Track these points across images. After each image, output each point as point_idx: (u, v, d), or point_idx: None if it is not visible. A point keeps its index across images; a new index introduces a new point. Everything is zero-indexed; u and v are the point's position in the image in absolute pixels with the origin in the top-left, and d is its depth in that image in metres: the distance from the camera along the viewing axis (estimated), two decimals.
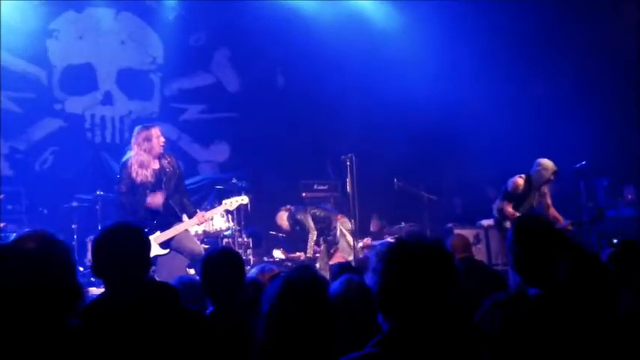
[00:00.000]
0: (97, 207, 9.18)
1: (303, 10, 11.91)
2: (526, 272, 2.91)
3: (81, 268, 8.36)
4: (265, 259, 9.90)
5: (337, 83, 11.75)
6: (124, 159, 7.29)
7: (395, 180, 10.05)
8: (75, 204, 9.35)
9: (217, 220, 9.36)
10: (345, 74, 11.75)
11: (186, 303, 2.93)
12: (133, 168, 7.16)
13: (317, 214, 9.91)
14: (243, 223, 9.63)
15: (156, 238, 7.03)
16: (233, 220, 9.47)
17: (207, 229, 9.07)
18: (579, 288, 2.86)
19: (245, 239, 9.61)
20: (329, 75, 11.77)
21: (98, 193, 9.23)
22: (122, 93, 11.60)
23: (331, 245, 9.79)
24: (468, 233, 8.84)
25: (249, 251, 9.57)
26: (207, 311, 3.34)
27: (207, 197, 10.97)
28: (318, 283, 2.64)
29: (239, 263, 3.52)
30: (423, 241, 2.16)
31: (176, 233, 7.18)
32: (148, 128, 7.35)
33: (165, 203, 7.24)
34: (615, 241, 7.64)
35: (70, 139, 11.09)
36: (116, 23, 11.54)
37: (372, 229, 11.12)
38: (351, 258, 9.05)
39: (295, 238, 10.85)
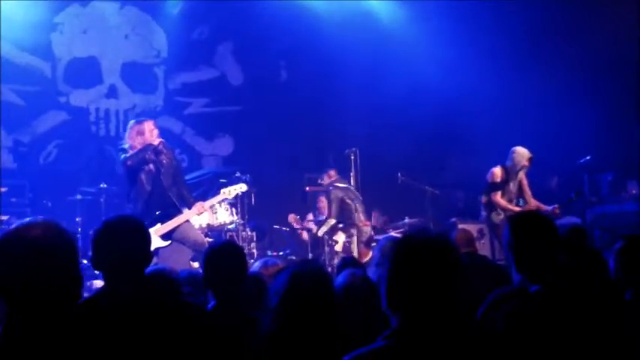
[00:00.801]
0: (101, 200, 9.18)
1: (307, 4, 11.89)
2: (525, 268, 2.90)
3: (84, 261, 8.38)
4: (269, 252, 9.91)
5: (341, 77, 11.74)
6: (121, 157, 7.37)
7: (399, 174, 10.04)
8: (79, 197, 9.35)
9: (221, 213, 9.37)
10: (348, 68, 11.74)
11: (187, 297, 2.93)
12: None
13: (346, 204, 9.61)
14: (247, 216, 9.63)
15: (156, 230, 7.06)
16: (237, 214, 9.48)
17: (211, 222, 9.07)
18: (580, 283, 2.87)
19: (249, 233, 9.60)
20: (333, 69, 11.77)
21: (102, 186, 9.24)
22: (126, 86, 11.61)
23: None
24: (472, 228, 8.79)
25: (252, 245, 9.57)
26: (210, 305, 3.34)
27: (210, 191, 10.95)
28: (323, 276, 2.67)
29: (241, 256, 3.51)
30: (431, 236, 2.16)
31: (177, 224, 7.23)
32: (140, 122, 7.47)
33: (165, 195, 7.28)
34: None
35: (74, 133, 11.12)
36: (120, 17, 11.56)
37: (374, 223, 11.11)
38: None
39: (297, 235, 10.88)
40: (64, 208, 9.48)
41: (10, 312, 2.27)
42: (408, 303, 2.09)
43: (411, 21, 11.95)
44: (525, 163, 8.58)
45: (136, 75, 11.64)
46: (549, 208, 8.43)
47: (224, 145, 12.29)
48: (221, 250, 3.47)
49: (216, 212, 9.14)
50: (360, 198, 9.67)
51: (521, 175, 8.67)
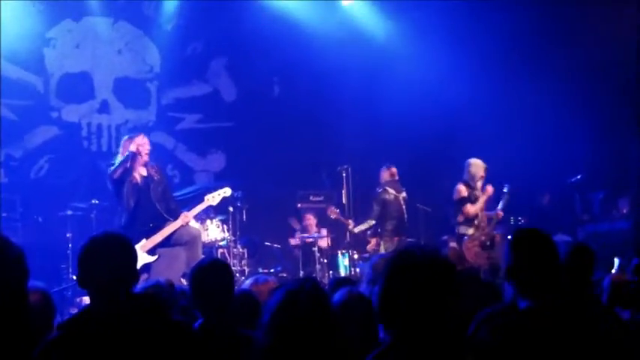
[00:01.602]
0: (92, 216, 9.16)
1: (301, 21, 11.92)
2: (521, 284, 2.89)
3: (75, 277, 8.33)
4: (260, 269, 9.88)
5: (334, 93, 11.77)
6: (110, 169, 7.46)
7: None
8: (70, 212, 9.31)
9: (212, 230, 9.35)
10: (342, 84, 11.76)
11: (174, 315, 2.91)
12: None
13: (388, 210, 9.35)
14: (238, 233, 9.61)
15: (142, 246, 7.06)
16: (228, 230, 9.46)
17: (202, 239, 9.06)
18: (571, 303, 2.86)
19: (240, 249, 9.58)
20: (326, 85, 11.80)
21: (93, 201, 9.22)
22: (119, 102, 11.60)
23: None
24: None
25: (244, 262, 9.55)
26: (197, 323, 3.32)
27: None
28: (319, 294, 2.65)
29: (228, 274, 3.49)
30: (424, 252, 2.15)
31: (162, 238, 7.25)
32: (132, 138, 7.53)
33: (152, 208, 7.30)
34: (616, 258, 7.82)
35: (65, 147, 11.08)
36: (113, 32, 11.56)
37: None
38: None
39: (288, 250, 10.86)
40: (55, 224, 9.45)
41: None
42: (401, 319, 2.08)
43: (405, 37, 11.98)
44: (482, 174, 8.94)
45: (128, 90, 11.63)
46: (492, 212, 8.88)
47: (216, 161, 12.27)
48: (207, 268, 3.45)
49: (207, 229, 9.13)
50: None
51: (479, 185, 8.96)
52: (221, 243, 9.42)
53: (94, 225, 9.01)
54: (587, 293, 3.52)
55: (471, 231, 8.76)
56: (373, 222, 9.34)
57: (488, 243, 8.76)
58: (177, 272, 7.46)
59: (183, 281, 7.35)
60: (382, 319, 2.13)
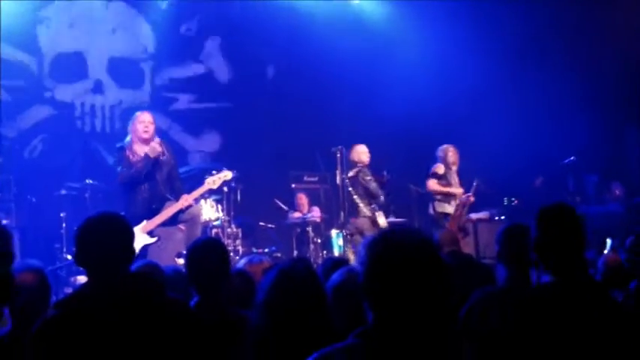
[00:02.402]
0: (86, 195, 9.15)
1: (296, 1, 11.88)
2: (548, 259, 2.86)
3: (69, 257, 8.35)
4: (254, 249, 9.90)
5: (329, 75, 11.74)
6: (119, 144, 7.45)
7: (384, 172, 10.05)
8: (64, 192, 9.30)
9: (206, 210, 9.34)
10: (337, 66, 11.73)
11: (170, 293, 2.94)
12: (128, 151, 7.30)
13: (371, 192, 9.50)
14: (232, 213, 9.62)
15: (142, 228, 7.04)
16: (222, 210, 9.46)
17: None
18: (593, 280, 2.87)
19: (234, 229, 9.59)
20: (321, 67, 11.76)
21: (87, 181, 9.20)
22: (113, 81, 11.55)
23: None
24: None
25: (238, 242, 9.56)
26: (192, 301, 3.35)
27: (197, 187, 10.95)
28: (311, 274, 2.70)
29: (223, 253, 3.52)
30: (407, 233, 2.14)
31: (162, 220, 7.23)
32: (136, 115, 7.49)
33: (157, 190, 7.29)
34: (608, 239, 7.98)
35: (59, 128, 11.04)
36: (107, 12, 11.48)
37: None
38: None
39: (282, 231, 10.88)
40: (49, 204, 9.44)
41: None
42: (382, 300, 2.07)
43: (402, 21, 11.97)
44: (452, 159, 9.46)
45: (122, 70, 11.57)
46: (464, 197, 9.27)
47: (211, 142, 12.26)
48: (203, 247, 3.49)
49: (201, 208, 9.13)
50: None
51: (454, 169, 9.47)
52: (215, 223, 9.42)
53: (89, 205, 9.01)
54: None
55: (449, 209, 9.24)
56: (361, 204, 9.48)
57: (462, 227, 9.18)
58: (171, 252, 7.47)
59: (178, 261, 7.38)
60: (364, 299, 2.12)
